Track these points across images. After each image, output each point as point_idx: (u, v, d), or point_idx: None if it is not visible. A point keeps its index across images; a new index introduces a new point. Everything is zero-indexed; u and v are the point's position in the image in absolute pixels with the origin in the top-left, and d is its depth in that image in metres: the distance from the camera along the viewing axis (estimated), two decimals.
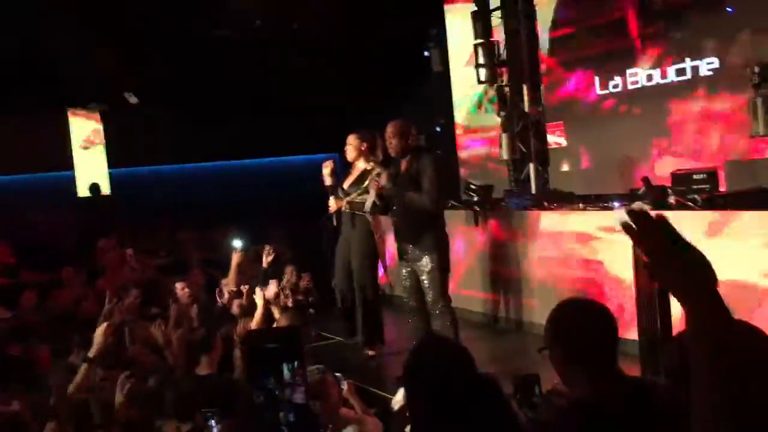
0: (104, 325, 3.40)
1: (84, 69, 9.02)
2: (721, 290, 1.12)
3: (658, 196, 5.56)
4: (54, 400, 2.98)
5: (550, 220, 6.41)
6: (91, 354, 3.31)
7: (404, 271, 5.39)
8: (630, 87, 7.55)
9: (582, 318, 1.99)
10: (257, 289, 4.78)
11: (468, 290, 7.14)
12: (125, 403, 3.24)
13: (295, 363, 1.38)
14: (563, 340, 1.94)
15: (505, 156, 8.35)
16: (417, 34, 10.19)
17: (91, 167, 11.22)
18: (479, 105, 9.55)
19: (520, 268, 6.62)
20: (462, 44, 9.31)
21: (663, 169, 6.80)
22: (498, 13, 8.49)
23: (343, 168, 6.55)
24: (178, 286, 6.00)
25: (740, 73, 6.06)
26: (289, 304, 5.27)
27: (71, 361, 4.29)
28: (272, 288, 5.09)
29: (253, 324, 4.55)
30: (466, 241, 7.21)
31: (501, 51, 8.49)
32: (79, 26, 7.77)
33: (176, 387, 3.43)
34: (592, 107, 8.08)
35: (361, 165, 6.11)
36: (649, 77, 7.35)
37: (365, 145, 6.08)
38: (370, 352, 6.16)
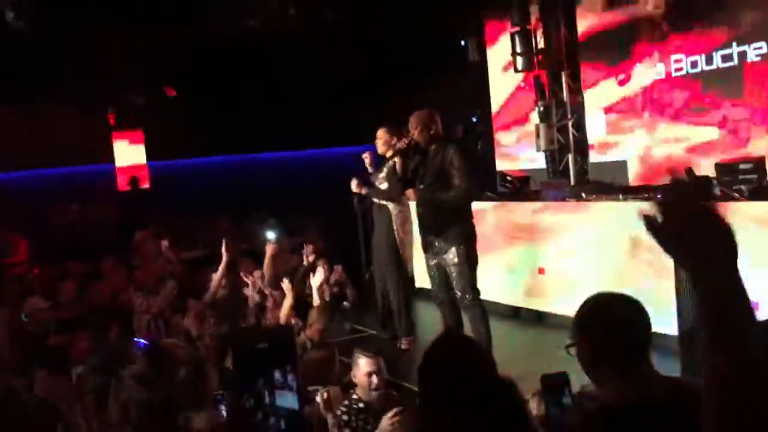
0: None
1: (124, 63, 9.13)
2: None
3: (701, 187, 5.37)
4: None
5: (586, 212, 6.25)
6: None
7: (431, 263, 5.28)
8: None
9: (612, 314, 1.88)
10: (284, 281, 4.73)
11: (492, 282, 7.01)
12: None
13: (288, 366, 1.30)
14: (591, 338, 1.84)
15: (542, 147, 8.18)
16: (453, 24, 10.03)
17: (130, 160, 11.44)
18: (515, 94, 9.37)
19: (555, 260, 6.49)
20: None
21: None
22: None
23: (379, 161, 6.53)
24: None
25: None
26: (326, 297, 5.23)
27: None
28: (319, 276, 4.99)
29: (282, 317, 4.52)
30: (495, 231, 7.07)
31: (538, 39, 8.31)
32: (113, 19, 7.85)
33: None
34: None
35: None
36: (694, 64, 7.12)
37: (395, 139, 6.01)
38: (404, 345, 6.11)
